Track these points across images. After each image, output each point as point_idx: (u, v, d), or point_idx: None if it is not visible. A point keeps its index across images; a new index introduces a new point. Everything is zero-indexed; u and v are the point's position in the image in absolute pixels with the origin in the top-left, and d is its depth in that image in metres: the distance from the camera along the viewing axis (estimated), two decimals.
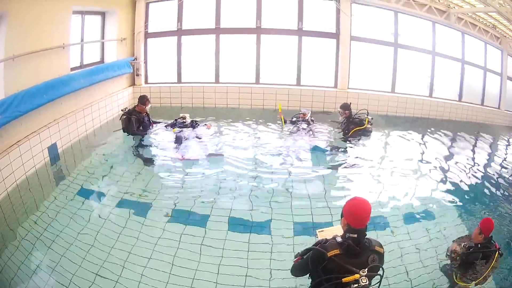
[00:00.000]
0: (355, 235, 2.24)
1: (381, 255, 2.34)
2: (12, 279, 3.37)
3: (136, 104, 6.35)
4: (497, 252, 3.26)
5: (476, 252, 3.31)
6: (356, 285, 2.15)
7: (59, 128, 5.84)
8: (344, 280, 2.17)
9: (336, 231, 2.46)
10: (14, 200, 4.59)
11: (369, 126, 6.75)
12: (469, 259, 3.34)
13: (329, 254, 2.22)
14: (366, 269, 2.18)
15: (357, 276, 2.15)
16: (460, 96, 9.88)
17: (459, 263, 3.40)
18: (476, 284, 3.27)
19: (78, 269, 3.49)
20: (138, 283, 3.40)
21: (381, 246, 2.37)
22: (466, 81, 9.86)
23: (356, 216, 2.26)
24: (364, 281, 2.14)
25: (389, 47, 9.02)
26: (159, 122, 6.79)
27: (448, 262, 3.59)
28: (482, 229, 3.32)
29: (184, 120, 6.74)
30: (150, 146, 6.25)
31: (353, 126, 6.71)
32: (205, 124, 7.02)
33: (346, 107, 6.87)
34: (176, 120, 6.75)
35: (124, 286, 3.37)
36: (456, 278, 3.40)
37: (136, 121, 6.11)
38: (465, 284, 3.31)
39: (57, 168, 5.58)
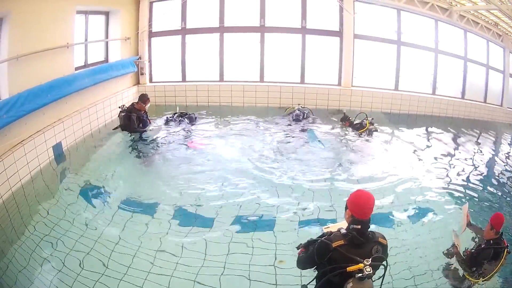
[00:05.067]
0: (359, 226, 2.29)
1: (384, 247, 2.39)
2: (17, 279, 3.32)
3: (135, 102, 6.37)
4: (506, 250, 3.25)
5: (489, 248, 3.28)
6: (360, 274, 2.18)
7: (63, 127, 5.79)
8: (348, 269, 2.21)
9: (341, 226, 2.53)
10: (18, 199, 4.54)
11: (372, 127, 7.05)
12: (480, 257, 3.31)
13: (334, 245, 2.27)
14: (370, 258, 2.22)
15: (361, 265, 2.19)
16: (463, 93, 9.90)
17: (468, 262, 3.38)
18: (484, 280, 3.27)
19: (81, 270, 3.44)
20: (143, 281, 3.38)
21: (384, 238, 2.41)
22: (469, 78, 9.89)
23: (360, 206, 2.33)
24: (368, 270, 2.17)
25: (392, 45, 9.04)
26: (153, 119, 6.99)
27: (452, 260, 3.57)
28: (493, 224, 3.30)
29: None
30: (152, 142, 6.36)
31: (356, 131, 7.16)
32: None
33: (343, 119, 7.55)
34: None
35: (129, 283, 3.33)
36: (466, 274, 3.39)
37: (136, 119, 6.19)
38: (474, 280, 3.30)
39: (62, 167, 5.51)
